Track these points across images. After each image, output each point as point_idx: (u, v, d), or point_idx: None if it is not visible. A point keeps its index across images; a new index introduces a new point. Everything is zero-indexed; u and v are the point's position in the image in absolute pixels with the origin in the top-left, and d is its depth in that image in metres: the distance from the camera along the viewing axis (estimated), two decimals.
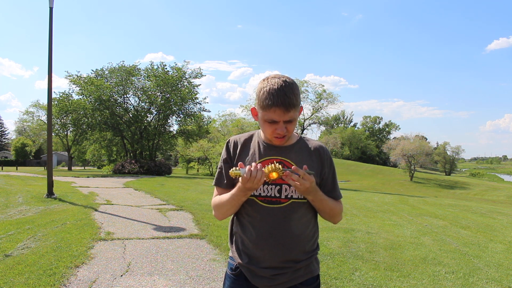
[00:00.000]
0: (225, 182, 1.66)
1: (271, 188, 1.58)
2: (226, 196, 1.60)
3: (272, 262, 1.59)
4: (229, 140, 1.73)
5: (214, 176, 1.73)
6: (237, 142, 1.69)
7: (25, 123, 52.34)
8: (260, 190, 1.59)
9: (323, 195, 1.61)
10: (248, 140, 1.70)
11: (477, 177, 70.31)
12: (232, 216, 1.71)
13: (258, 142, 1.66)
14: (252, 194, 1.58)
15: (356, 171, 57.51)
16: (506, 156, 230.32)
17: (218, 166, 1.71)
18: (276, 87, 1.48)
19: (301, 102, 1.67)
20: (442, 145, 77.41)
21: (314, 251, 1.75)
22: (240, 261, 1.64)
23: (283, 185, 1.58)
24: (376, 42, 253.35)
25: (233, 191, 1.56)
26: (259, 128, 1.69)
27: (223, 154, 1.70)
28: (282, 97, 1.47)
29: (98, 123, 29.97)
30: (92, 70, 31.14)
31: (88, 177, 20.16)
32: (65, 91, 31.63)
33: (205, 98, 35.86)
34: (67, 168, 44.75)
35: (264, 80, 1.56)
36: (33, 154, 62.33)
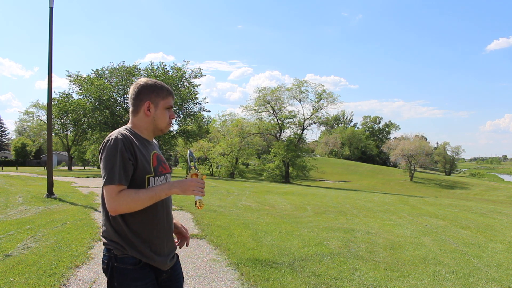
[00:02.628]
0: (128, 179, 1.66)
1: (163, 179, 1.79)
2: (147, 193, 1.63)
3: None
4: (118, 135, 1.67)
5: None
6: (129, 138, 1.69)
7: (25, 123, 52.34)
8: (161, 182, 1.77)
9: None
10: (131, 136, 1.72)
11: (477, 177, 70.29)
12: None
13: (139, 139, 1.76)
14: None
15: (356, 171, 57.49)
16: (506, 156, 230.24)
17: (118, 164, 1.62)
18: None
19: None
20: (442, 145, 77.44)
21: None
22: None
23: (167, 174, 1.83)
24: (376, 42, 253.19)
25: (162, 192, 1.65)
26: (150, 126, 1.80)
27: (121, 149, 1.63)
28: (165, 85, 1.82)
29: (98, 123, 29.95)
30: (92, 70, 31.12)
31: (88, 177, 20.16)
32: (65, 91, 31.61)
33: (205, 98, 35.76)
34: (67, 168, 44.74)
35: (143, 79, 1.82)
36: (33, 154, 62.30)
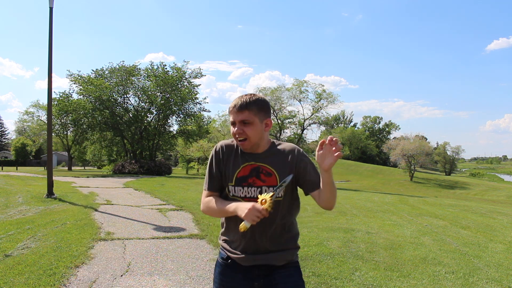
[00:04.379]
0: (215, 186, 1.87)
1: (254, 190, 1.80)
2: (219, 206, 1.80)
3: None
4: (216, 145, 1.90)
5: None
6: (223, 148, 1.88)
7: (25, 123, 52.31)
8: (245, 192, 1.81)
9: (332, 178, 1.72)
10: (230, 147, 1.88)
11: (477, 177, 70.31)
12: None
13: (237, 150, 1.86)
14: (238, 196, 1.82)
15: (356, 171, 57.52)
16: (506, 156, 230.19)
17: (208, 171, 1.89)
18: (238, 97, 1.80)
19: (272, 116, 1.83)
20: (442, 145, 77.48)
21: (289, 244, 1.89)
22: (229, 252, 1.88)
23: (263, 187, 1.79)
24: (376, 42, 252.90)
25: (229, 209, 1.76)
26: None
27: (212, 158, 1.88)
28: (237, 100, 1.77)
29: (98, 123, 29.96)
30: (93, 70, 31.12)
31: (88, 177, 20.17)
32: (65, 91, 31.62)
33: (205, 98, 35.85)
34: (67, 168, 44.73)
35: None
36: (33, 154, 62.31)
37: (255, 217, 1.64)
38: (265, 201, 1.67)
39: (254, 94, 1.81)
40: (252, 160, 1.82)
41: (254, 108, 1.76)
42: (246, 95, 1.80)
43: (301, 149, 1.87)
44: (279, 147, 1.87)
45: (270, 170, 1.80)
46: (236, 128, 1.77)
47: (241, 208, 1.69)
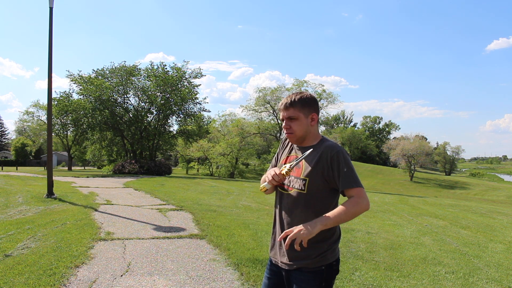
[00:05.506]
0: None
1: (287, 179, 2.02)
2: None
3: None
4: (283, 138, 2.23)
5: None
6: (283, 142, 2.19)
7: (25, 123, 52.32)
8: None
9: (330, 219, 1.79)
10: (287, 140, 2.15)
11: (477, 177, 70.27)
12: None
13: (290, 143, 2.11)
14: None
15: (356, 171, 57.41)
16: (506, 156, 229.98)
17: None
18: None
19: (314, 110, 2.05)
20: (442, 145, 77.47)
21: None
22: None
23: (292, 177, 1.98)
24: (377, 42, 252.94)
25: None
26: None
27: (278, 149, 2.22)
28: (284, 99, 2.00)
29: (98, 123, 29.92)
30: (93, 70, 31.09)
31: (88, 177, 20.16)
32: (65, 91, 31.55)
33: (205, 98, 35.77)
34: (67, 168, 44.73)
35: None
36: (33, 154, 62.31)
37: (272, 179, 1.91)
38: (284, 168, 1.91)
39: (300, 92, 2.01)
40: (296, 152, 2.04)
41: (298, 105, 1.96)
42: (293, 93, 2.00)
43: (343, 151, 1.92)
44: (323, 143, 1.98)
45: (302, 162, 1.95)
46: (284, 123, 2.01)
47: (266, 174, 2.02)
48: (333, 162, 1.87)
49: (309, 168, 1.90)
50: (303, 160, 1.95)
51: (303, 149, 1.98)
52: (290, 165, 1.91)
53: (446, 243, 5.85)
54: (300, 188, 1.91)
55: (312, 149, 1.91)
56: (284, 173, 1.89)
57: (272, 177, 1.91)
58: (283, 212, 1.97)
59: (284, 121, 1.99)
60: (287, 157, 2.06)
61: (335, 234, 1.95)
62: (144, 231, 5.78)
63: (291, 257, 1.90)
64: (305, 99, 1.97)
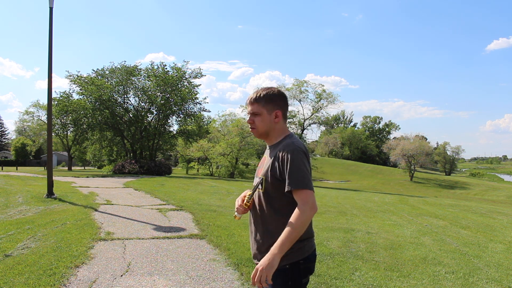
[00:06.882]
0: None
1: (256, 181, 2.02)
2: None
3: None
4: None
5: None
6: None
7: (25, 123, 52.32)
8: (254, 181, 2.04)
9: (284, 243, 1.74)
10: None
11: (477, 177, 70.27)
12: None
13: None
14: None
15: (356, 171, 57.50)
16: (506, 156, 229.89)
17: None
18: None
19: (279, 107, 1.98)
20: (442, 145, 77.45)
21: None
22: None
23: (258, 178, 2.00)
24: (377, 42, 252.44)
25: None
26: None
27: None
28: (251, 94, 1.99)
29: (98, 123, 29.93)
30: (93, 70, 31.08)
31: (88, 177, 20.16)
32: (65, 91, 31.53)
33: (205, 98, 35.76)
34: (67, 168, 44.72)
35: None
36: (33, 154, 62.29)
37: (238, 208, 1.98)
38: (245, 198, 1.98)
39: (267, 88, 1.99)
40: (266, 153, 2.04)
41: (262, 101, 1.94)
42: (260, 88, 1.99)
43: (296, 150, 1.84)
44: (284, 141, 1.94)
45: (265, 160, 2.01)
46: (248, 118, 2.02)
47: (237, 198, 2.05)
48: (283, 160, 1.83)
49: (266, 167, 1.92)
50: (265, 157, 2.00)
51: (271, 148, 1.99)
52: (249, 195, 1.96)
53: (446, 243, 5.86)
54: (259, 187, 1.95)
55: (261, 178, 1.94)
56: (246, 206, 1.96)
57: (237, 209, 1.98)
58: (252, 210, 2.01)
59: (249, 116, 2.00)
60: (262, 158, 2.09)
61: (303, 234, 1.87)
62: (144, 231, 5.78)
63: (258, 258, 1.93)
64: (270, 95, 1.95)
